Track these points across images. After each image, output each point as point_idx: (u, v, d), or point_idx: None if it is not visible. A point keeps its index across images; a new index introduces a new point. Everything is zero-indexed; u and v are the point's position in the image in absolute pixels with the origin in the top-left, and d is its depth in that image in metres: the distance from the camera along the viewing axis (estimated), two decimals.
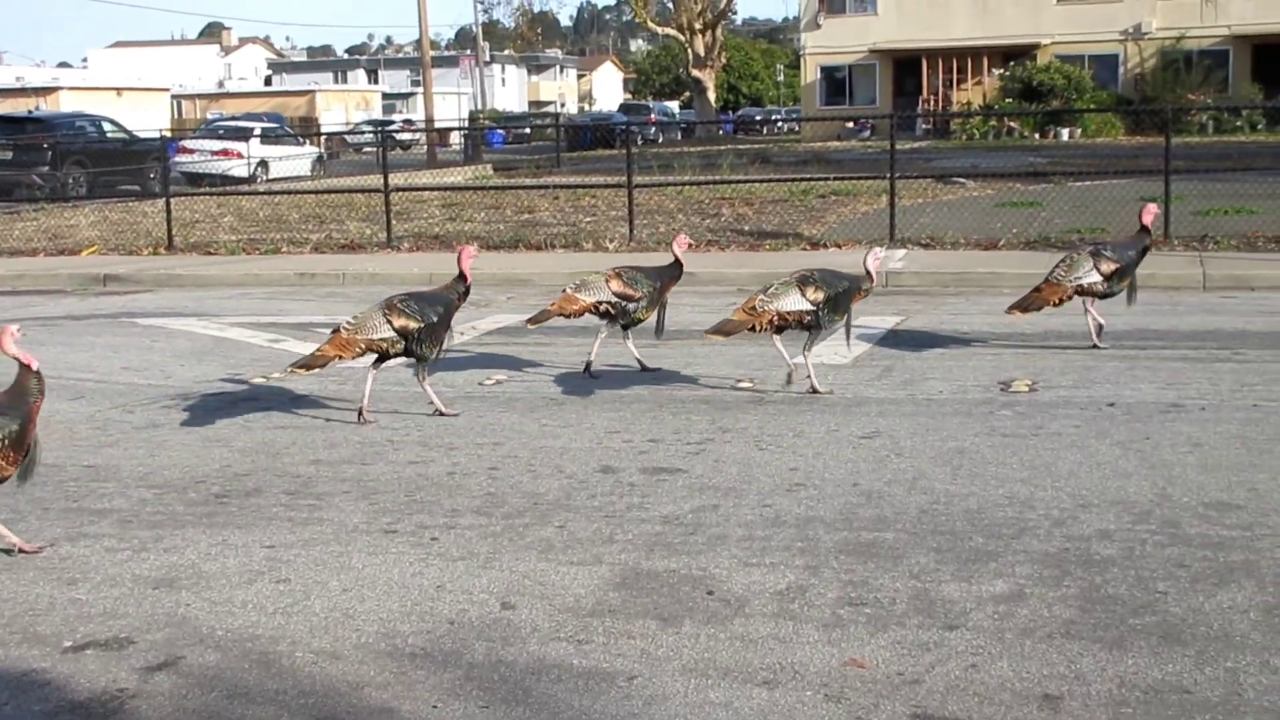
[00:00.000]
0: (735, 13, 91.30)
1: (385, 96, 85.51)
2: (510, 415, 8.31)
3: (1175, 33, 50.29)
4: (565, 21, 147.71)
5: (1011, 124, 46.74)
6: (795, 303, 8.35)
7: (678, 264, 9.24)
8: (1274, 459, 6.77)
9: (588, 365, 9.40)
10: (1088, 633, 4.62)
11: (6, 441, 5.67)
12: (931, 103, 53.96)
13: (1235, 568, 5.22)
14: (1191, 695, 4.13)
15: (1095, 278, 9.41)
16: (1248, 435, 7.26)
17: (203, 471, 7.11)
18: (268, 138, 37.67)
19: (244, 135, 36.64)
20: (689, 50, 60.49)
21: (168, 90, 68.59)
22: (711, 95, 61.84)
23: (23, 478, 5.90)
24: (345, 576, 5.41)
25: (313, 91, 76.61)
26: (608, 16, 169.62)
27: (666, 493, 6.49)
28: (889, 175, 17.32)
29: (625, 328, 9.14)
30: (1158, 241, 15.71)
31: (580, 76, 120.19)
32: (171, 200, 20.64)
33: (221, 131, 39.74)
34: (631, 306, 8.98)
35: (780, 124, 65.96)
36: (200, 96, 78.60)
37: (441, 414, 8.30)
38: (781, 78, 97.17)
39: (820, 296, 8.34)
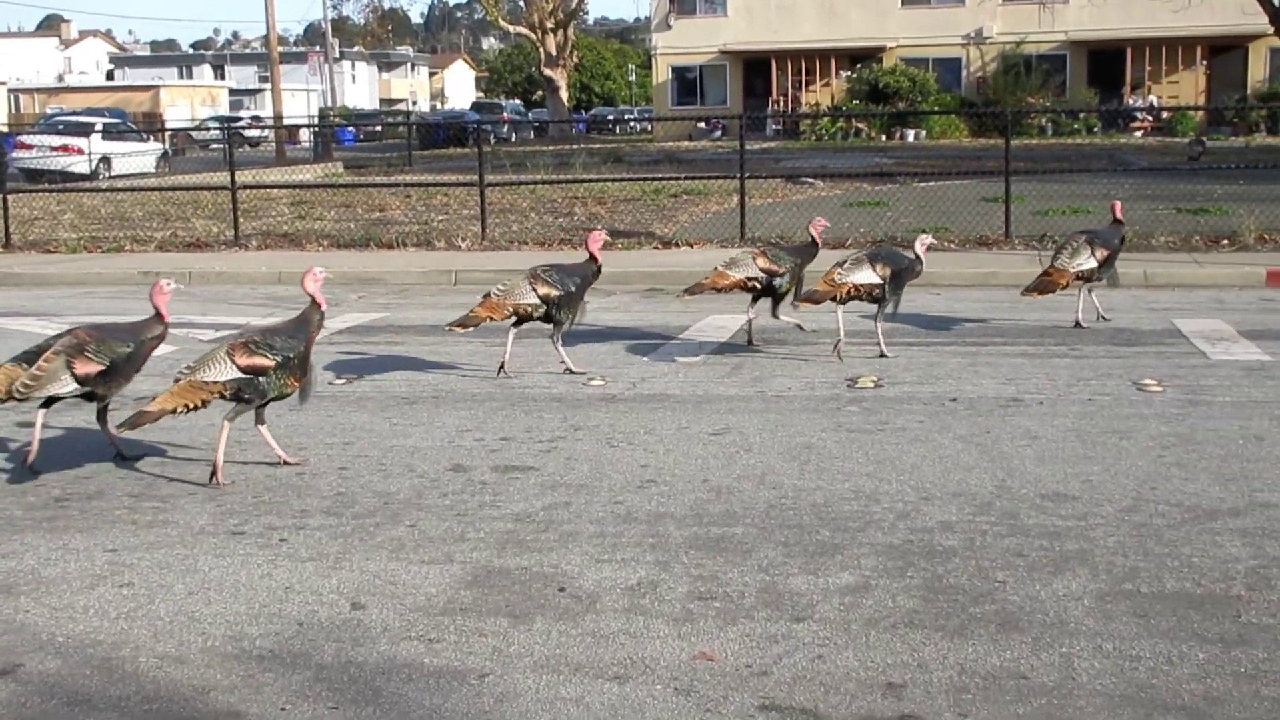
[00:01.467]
0: (587, 12, 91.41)
1: (232, 93, 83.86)
2: (361, 415, 8.25)
3: (1015, 37, 51.64)
4: (416, 19, 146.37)
5: (859, 125, 47.59)
6: (868, 276, 9.30)
7: (814, 244, 10.04)
8: (1107, 451, 7.01)
9: (748, 337, 10.27)
10: (930, 622, 4.74)
11: (295, 360, 6.58)
12: (781, 104, 54.66)
13: (1070, 556, 5.39)
14: (1029, 680, 4.26)
15: (1093, 264, 10.34)
16: (1082, 428, 7.50)
17: (42, 474, 6.92)
18: (110, 133, 36.83)
19: (85, 131, 35.71)
20: (541, 49, 60.41)
21: (4, 84, 66.58)
22: (564, 94, 61.84)
23: (303, 397, 6.89)
24: (191, 579, 5.32)
25: (157, 87, 74.83)
26: (459, 14, 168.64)
27: (518, 490, 6.50)
28: (739, 175, 17.53)
29: (776, 301, 9.76)
30: (999, 241, 16.20)
31: (432, 74, 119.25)
32: (9, 197, 20.02)
33: (61, 127, 38.51)
34: (777, 282, 9.64)
35: (632, 124, 66.25)
36: (39, 90, 76.32)
37: (571, 371, 9.23)
38: (633, 77, 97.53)
39: (888, 272, 9.32)
